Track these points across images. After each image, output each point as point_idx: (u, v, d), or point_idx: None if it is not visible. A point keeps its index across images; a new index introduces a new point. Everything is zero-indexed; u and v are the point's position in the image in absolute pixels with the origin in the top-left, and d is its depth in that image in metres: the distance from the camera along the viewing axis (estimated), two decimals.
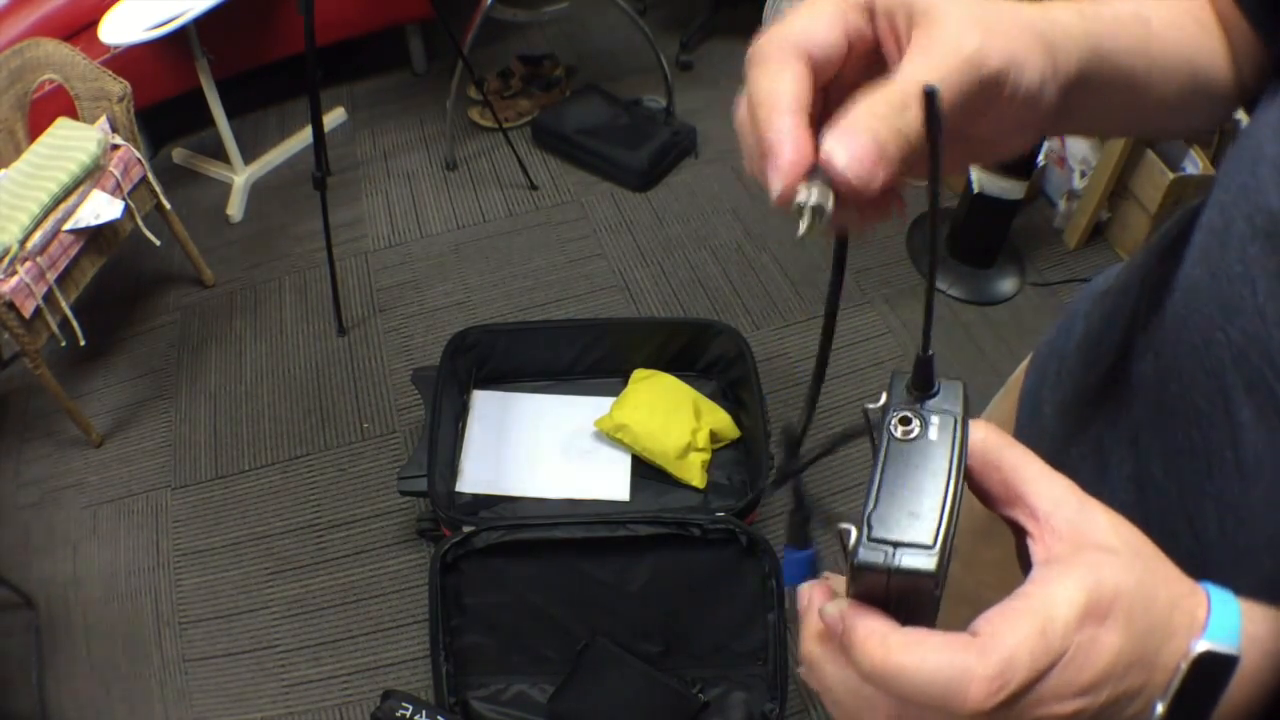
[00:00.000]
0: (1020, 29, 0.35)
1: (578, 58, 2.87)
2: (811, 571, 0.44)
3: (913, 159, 0.32)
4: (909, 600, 0.30)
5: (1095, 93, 0.40)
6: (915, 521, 0.29)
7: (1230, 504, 0.41)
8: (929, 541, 0.29)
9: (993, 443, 0.34)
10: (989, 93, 0.34)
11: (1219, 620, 0.32)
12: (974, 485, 0.35)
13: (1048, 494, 0.33)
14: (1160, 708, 0.32)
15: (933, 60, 0.33)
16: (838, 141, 0.32)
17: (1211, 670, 0.31)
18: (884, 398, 0.32)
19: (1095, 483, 0.52)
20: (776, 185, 0.33)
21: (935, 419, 0.31)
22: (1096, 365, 0.55)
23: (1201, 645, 0.31)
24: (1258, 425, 0.39)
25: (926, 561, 0.29)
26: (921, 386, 0.32)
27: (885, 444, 0.31)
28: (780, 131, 0.33)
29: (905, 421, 0.31)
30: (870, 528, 0.29)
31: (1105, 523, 0.33)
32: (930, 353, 0.31)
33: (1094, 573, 0.31)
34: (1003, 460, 0.34)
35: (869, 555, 0.29)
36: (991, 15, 0.34)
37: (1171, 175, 1.99)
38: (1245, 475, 0.40)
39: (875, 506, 0.30)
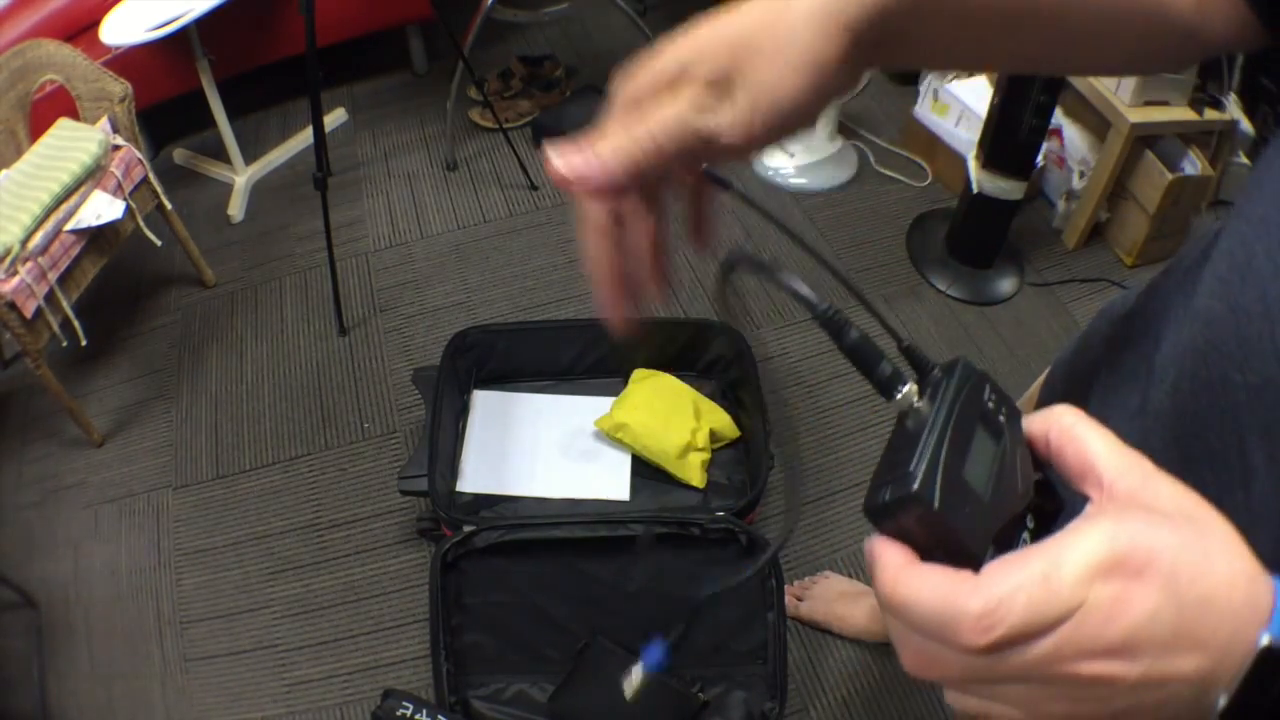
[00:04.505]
0: None
1: (578, 58, 2.87)
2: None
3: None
4: (933, 540, 0.32)
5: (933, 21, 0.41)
6: (899, 466, 0.32)
7: None
8: (909, 472, 0.32)
9: (1068, 420, 0.35)
10: None
11: None
12: (1055, 462, 0.36)
13: (1115, 465, 0.33)
14: (1224, 700, 0.30)
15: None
16: None
17: (1273, 666, 0.30)
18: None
19: None
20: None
21: (927, 394, 0.35)
22: (1112, 391, 0.55)
23: (1266, 639, 0.29)
24: (1269, 470, 0.38)
25: (905, 488, 0.31)
26: (918, 368, 0.36)
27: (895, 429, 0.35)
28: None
29: (904, 409, 0.35)
30: (873, 483, 0.33)
31: (1168, 491, 0.33)
32: (906, 342, 0.36)
33: (1125, 529, 0.30)
34: (1076, 435, 0.35)
35: (868, 501, 0.33)
36: None
37: (1170, 176, 1.99)
38: (1254, 517, 0.39)
39: (878, 468, 0.33)
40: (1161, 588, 0.29)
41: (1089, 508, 0.33)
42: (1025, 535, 0.35)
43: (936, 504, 0.31)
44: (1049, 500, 0.36)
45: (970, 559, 0.32)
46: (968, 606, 0.30)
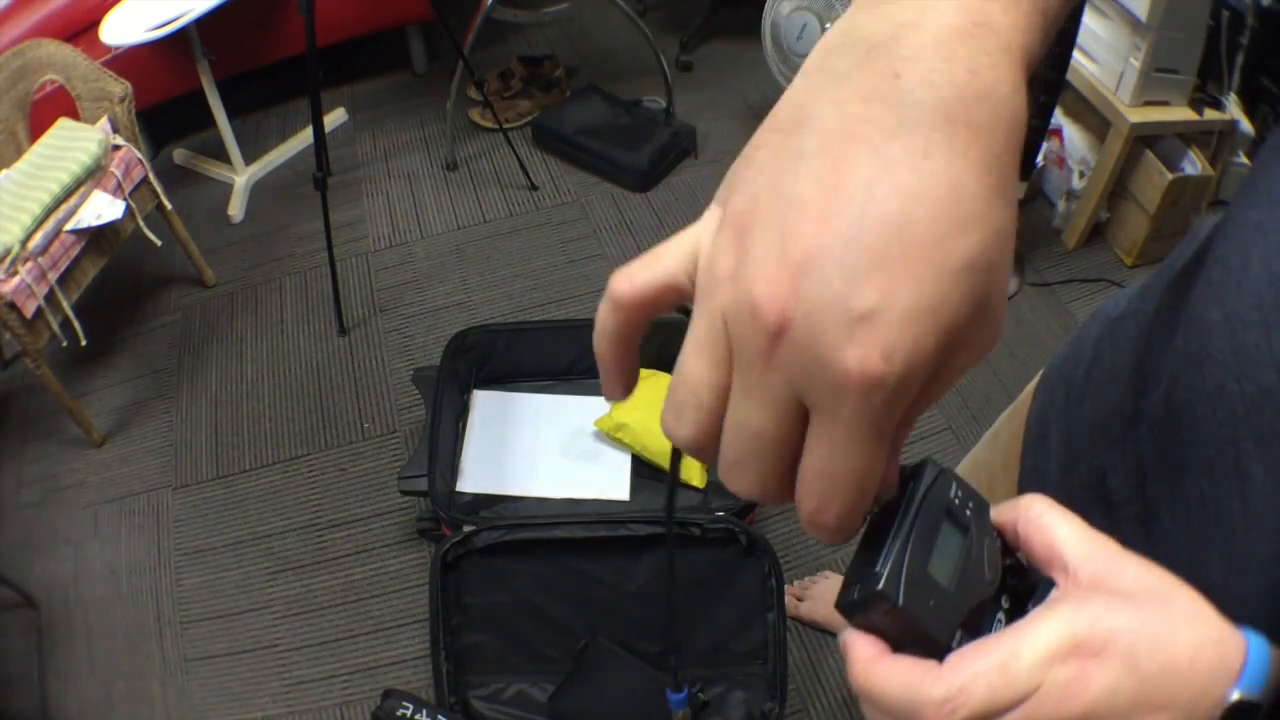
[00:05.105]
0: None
1: (578, 58, 2.88)
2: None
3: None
4: (901, 631, 0.34)
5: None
6: (867, 565, 0.34)
7: (1236, 555, 0.40)
8: (875, 571, 0.34)
9: (1036, 510, 0.37)
10: None
11: (1253, 668, 0.32)
12: (1023, 549, 0.37)
13: (1081, 551, 0.35)
14: None
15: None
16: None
17: (1244, 716, 0.31)
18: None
19: (1102, 520, 0.50)
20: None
21: (897, 495, 0.37)
22: (1105, 397, 0.54)
23: (1236, 694, 0.31)
24: (1267, 480, 0.38)
25: (871, 586, 0.33)
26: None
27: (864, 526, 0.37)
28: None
29: (873, 511, 0.37)
30: (845, 581, 0.35)
31: (1134, 572, 0.34)
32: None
33: (1084, 614, 0.32)
34: (1043, 524, 0.36)
35: (841, 598, 0.35)
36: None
37: (1170, 176, 1.99)
38: (1252, 528, 0.39)
39: (849, 567, 0.36)
40: (1120, 664, 0.31)
41: (1054, 593, 0.35)
42: (1000, 615, 0.37)
43: (901, 600, 0.33)
44: (1021, 581, 0.38)
45: (937, 647, 0.34)
46: (931, 694, 0.32)
